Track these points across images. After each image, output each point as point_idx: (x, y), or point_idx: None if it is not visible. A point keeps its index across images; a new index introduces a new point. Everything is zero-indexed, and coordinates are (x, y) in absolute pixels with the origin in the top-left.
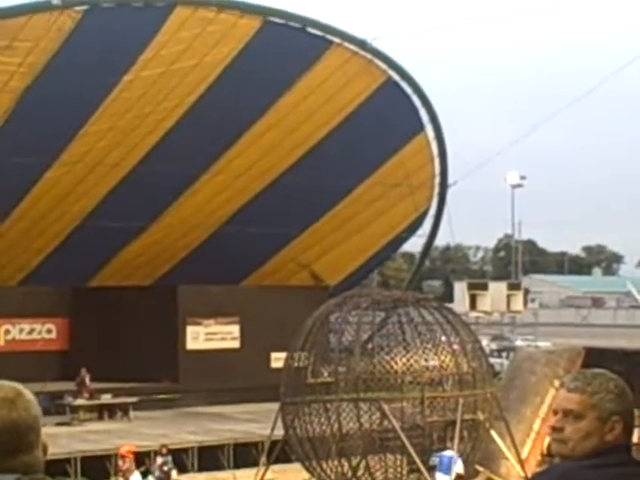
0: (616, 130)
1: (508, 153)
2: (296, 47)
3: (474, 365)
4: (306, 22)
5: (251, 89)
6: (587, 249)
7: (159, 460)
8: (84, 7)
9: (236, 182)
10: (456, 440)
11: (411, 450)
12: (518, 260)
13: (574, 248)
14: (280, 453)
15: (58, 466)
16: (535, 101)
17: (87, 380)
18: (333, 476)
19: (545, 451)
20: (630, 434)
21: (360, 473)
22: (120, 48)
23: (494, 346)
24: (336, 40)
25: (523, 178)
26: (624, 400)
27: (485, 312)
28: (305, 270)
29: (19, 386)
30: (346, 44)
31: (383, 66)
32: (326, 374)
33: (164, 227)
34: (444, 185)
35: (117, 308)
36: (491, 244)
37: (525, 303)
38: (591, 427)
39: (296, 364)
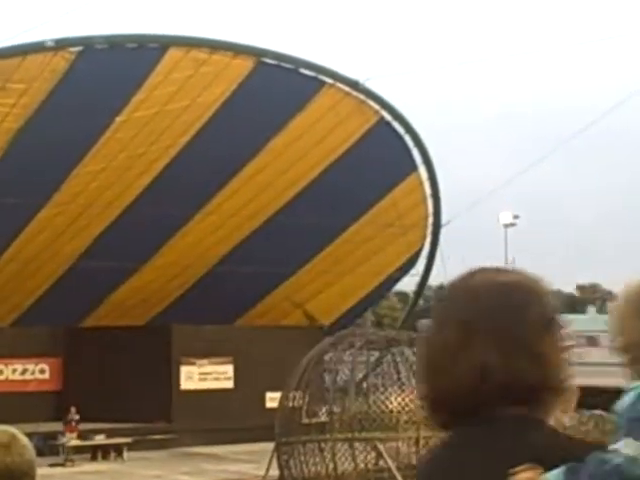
0: (610, 169)
1: (501, 193)
2: (289, 87)
3: None
4: (299, 63)
5: (244, 129)
6: (581, 288)
7: None
8: (78, 48)
9: (229, 222)
10: None
11: None
12: None
13: (568, 287)
14: None
15: None
16: (528, 141)
17: (74, 420)
18: None
19: None
20: None
21: None
22: (114, 89)
23: None
24: (329, 81)
25: (516, 217)
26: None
27: None
28: (299, 310)
29: (14, 430)
30: (339, 84)
31: (375, 106)
32: (321, 414)
33: (157, 267)
34: (437, 225)
35: (111, 348)
36: None
37: None
38: None
39: (291, 404)
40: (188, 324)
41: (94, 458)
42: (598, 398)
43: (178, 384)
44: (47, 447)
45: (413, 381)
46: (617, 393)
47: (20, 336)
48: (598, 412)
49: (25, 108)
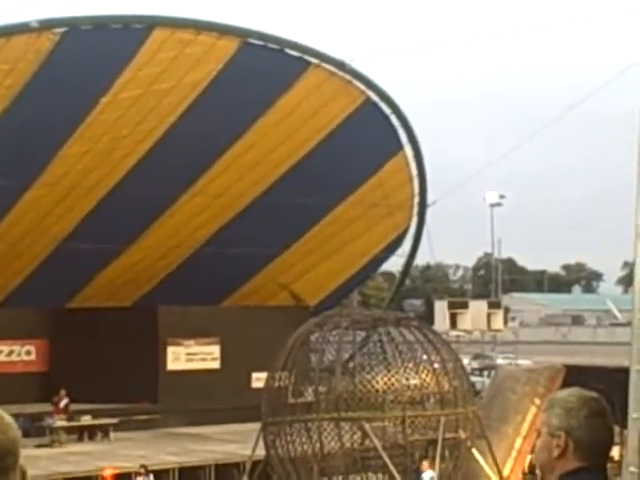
0: (595, 149)
1: (487, 172)
2: (275, 68)
3: (455, 384)
4: (284, 43)
5: (230, 110)
6: (566, 267)
7: None
8: (62, 29)
9: (215, 202)
10: (437, 459)
11: (393, 469)
12: (498, 278)
13: (553, 266)
14: (262, 473)
15: None
16: (514, 121)
17: (62, 402)
18: None
19: (527, 469)
20: (591, 455)
21: None
22: (99, 70)
23: (475, 365)
24: (314, 61)
25: (502, 197)
26: (575, 417)
27: (466, 331)
28: (285, 290)
29: None
30: (325, 65)
31: (362, 87)
32: (307, 394)
33: (144, 248)
34: (423, 205)
35: (97, 329)
36: (471, 263)
37: (505, 321)
38: (544, 442)
39: (277, 384)
40: (174, 305)
41: (81, 439)
42: (583, 376)
43: (164, 365)
44: (33, 428)
45: (399, 361)
46: (604, 372)
47: (6, 318)
48: (572, 389)
49: (10, 89)
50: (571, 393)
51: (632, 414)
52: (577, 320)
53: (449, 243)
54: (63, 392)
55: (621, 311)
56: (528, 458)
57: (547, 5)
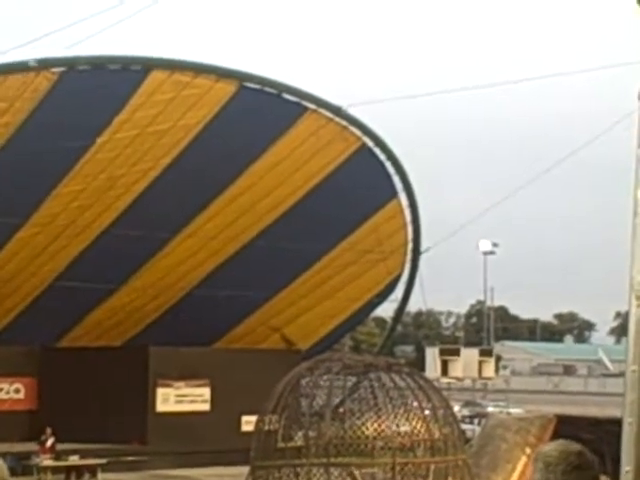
0: (588, 199)
1: (481, 220)
2: (271, 112)
3: (446, 431)
4: (282, 88)
5: (225, 153)
6: (559, 316)
7: None
8: (60, 69)
9: (208, 245)
10: None
11: None
12: (490, 326)
13: (546, 315)
14: None
15: None
16: (507, 170)
17: (49, 441)
18: None
19: None
20: None
21: None
22: (95, 110)
23: (466, 412)
24: (311, 106)
25: (495, 245)
26: (552, 472)
27: (457, 378)
28: (277, 333)
29: None
30: (321, 110)
31: (357, 133)
32: (297, 438)
33: (136, 289)
34: (417, 251)
35: (87, 368)
36: (463, 310)
37: (497, 370)
38: None
39: (267, 428)
40: (165, 346)
41: (68, 479)
42: (574, 426)
43: (154, 406)
44: (20, 467)
45: (390, 407)
46: (595, 422)
47: None
48: (558, 442)
49: (6, 127)
50: (553, 448)
51: (625, 467)
52: (569, 370)
53: (442, 290)
54: (49, 431)
55: (613, 361)
56: None
57: (537, 56)
